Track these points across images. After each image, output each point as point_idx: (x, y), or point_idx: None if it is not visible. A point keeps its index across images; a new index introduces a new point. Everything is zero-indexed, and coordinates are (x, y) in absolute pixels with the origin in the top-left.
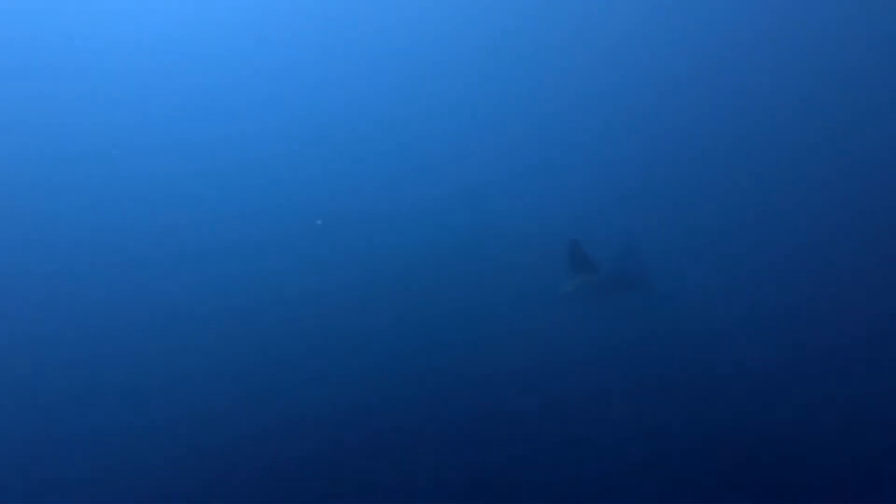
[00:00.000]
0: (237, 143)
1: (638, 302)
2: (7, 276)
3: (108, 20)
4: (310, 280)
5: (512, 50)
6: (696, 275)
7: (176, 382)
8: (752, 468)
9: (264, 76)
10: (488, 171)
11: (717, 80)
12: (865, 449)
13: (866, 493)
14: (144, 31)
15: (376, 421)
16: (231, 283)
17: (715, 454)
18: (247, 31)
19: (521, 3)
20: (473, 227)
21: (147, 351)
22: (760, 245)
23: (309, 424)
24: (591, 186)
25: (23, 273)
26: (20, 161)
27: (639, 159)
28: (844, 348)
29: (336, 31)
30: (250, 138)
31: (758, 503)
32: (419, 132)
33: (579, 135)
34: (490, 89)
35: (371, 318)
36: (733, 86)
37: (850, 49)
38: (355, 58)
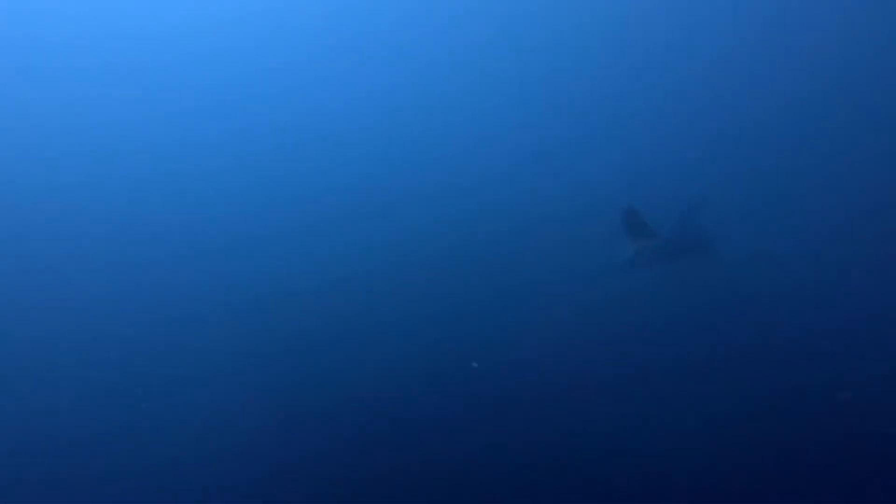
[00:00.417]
0: (244, 138)
1: (702, 268)
2: (8, 275)
3: (109, 19)
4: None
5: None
6: (764, 238)
7: (179, 379)
8: (835, 447)
9: (265, 71)
10: (541, 137)
11: (783, 36)
12: None
13: None
14: (144, 30)
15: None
16: (242, 277)
17: (790, 431)
18: (245, 26)
19: None
20: (527, 197)
21: (152, 349)
22: (833, 205)
23: (349, 411)
24: (649, 151)
25: (22, 272)
26: (20, 161)
27: (700, 119)
28: None
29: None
30: (260, 132)
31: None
32: (474, 100)
33: (635, 97)
34: (544, 54)
35: (432, 285)
36: (801, 42)
37: None
38: (396, 39)
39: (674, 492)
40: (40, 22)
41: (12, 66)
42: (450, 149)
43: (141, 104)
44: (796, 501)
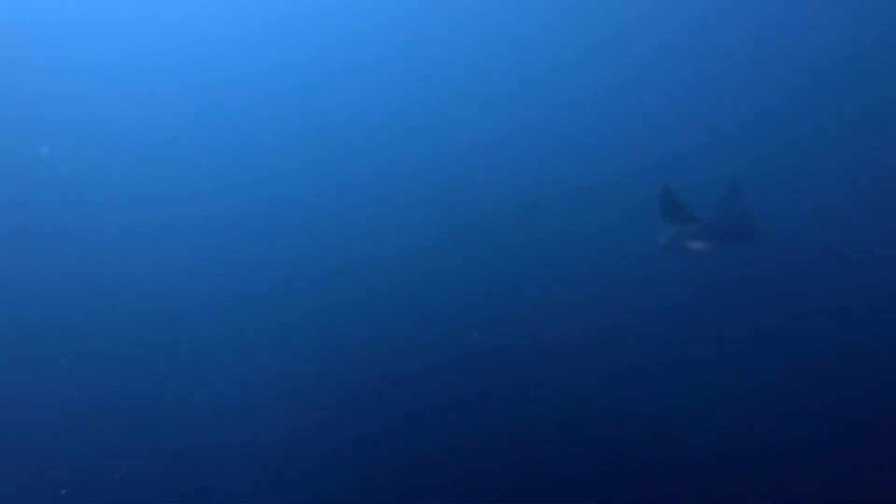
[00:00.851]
0: (242, 136)
1: (743, 253)
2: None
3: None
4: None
5: None
6: (808, 221)
7: (182, 376)
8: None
9: (261, 70)
10: (575, 113)
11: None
12: None
13: None
14: (143, 30)
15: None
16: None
17: (832, 418)
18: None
19: None
20: (564, 175)
21: (149, 347)
22: (879, 191)
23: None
24: (689, 127)
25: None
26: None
27: (742, 95)
28: None
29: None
30: (258, 131)
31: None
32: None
33: (672, 71)
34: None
35: (452, 266)
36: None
37: None
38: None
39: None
40: (40, 21)
41: (12, 66)
42: (476, 130)
43: (139, 101)
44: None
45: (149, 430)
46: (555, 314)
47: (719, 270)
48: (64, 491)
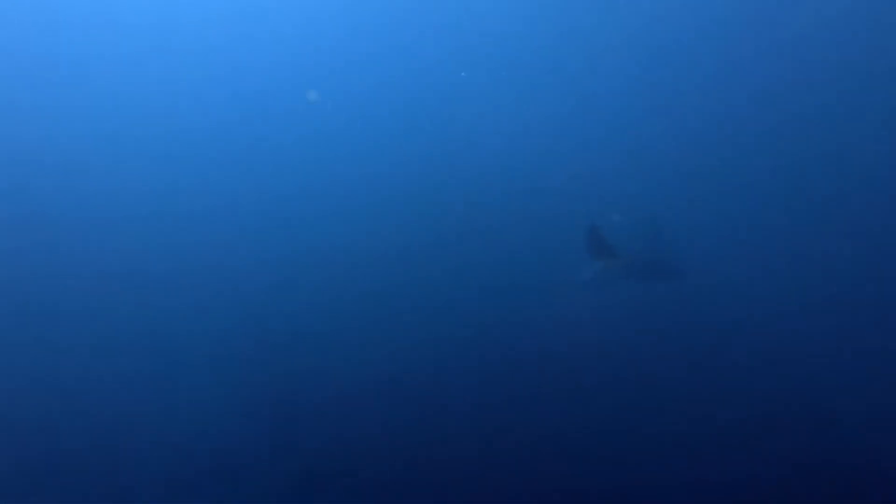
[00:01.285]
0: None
1: (660, 291)
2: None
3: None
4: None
5: (527, 39)
6: (724, 262)
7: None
8: (771, 464)
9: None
10: (506, 154)
11: (746, 64)
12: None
13: None
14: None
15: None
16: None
17: (736, 451)
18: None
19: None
20: (490, 213)
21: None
22: (793, 231)
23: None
24: (614, 170)
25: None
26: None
27: (663, 141)
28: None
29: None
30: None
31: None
32: (437, 117)
33: (599, 116)
34: (505, 74)
35: (380, 310)
36: (762, 70)
37: None
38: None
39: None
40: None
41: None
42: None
43: (136, 100)
44: None
45: (148, 429)
46: (479, 347)
47: (637, 307)
48: None
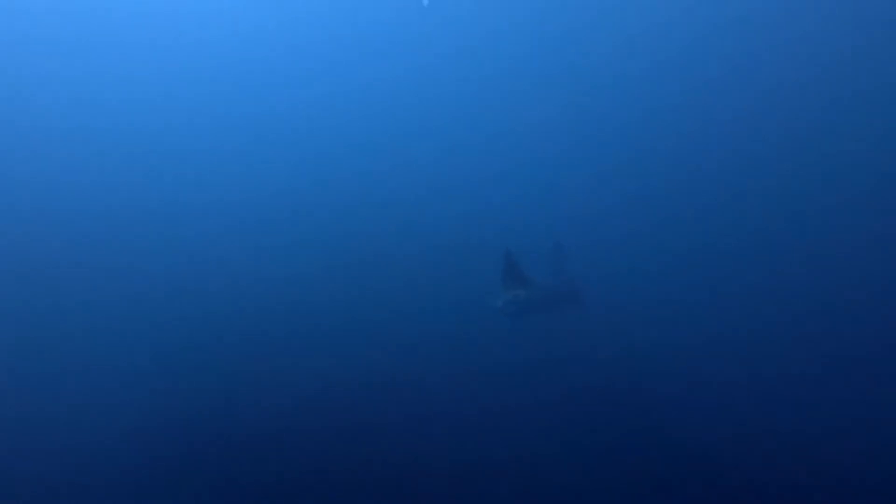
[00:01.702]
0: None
1: (567, 320)
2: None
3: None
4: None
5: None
6: (631, 293)
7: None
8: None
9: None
10: (424, 184)
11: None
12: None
13: None
14: (143, 28)
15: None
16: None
17: (641, 472)
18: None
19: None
20: (406, 240)
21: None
22: (695, 263)
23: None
24: (528, 199)
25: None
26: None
27: (575, 173)
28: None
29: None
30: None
31: None
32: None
33: (511, 147)
34: (418, 109)
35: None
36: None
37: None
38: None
39: None
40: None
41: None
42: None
43: (134, 101)
44: None
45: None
46: (390, 373)
47: (546, 334)
48: None
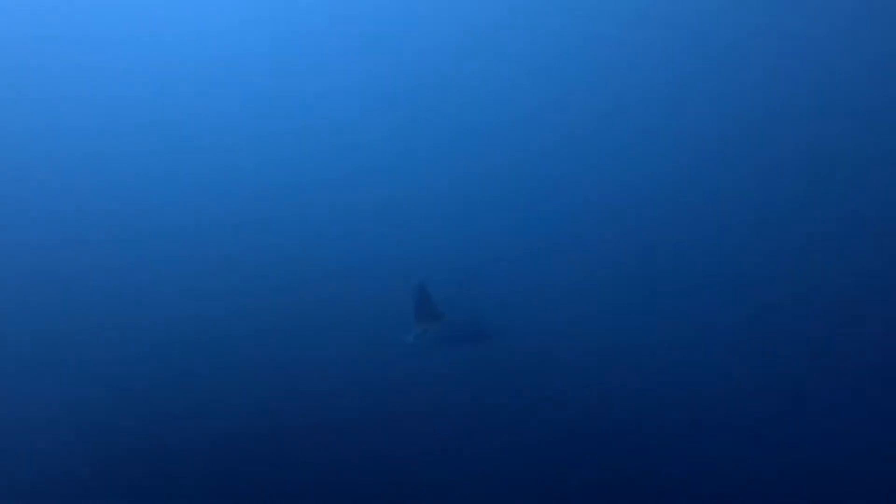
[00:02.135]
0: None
1: (478, 353)
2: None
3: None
4: None
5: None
6: (542, 323)
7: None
8: None
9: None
10: (328, 207)
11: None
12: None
13: None
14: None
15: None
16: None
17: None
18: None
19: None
20: (311, 268)
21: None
22: (606, 297)
23: None
24: (444, 224)
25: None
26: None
27: (488, 197)
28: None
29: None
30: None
31: None
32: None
33: (420, 171)
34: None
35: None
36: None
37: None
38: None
39: None
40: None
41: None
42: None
43: (133, 101)
44: None
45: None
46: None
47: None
48: None
